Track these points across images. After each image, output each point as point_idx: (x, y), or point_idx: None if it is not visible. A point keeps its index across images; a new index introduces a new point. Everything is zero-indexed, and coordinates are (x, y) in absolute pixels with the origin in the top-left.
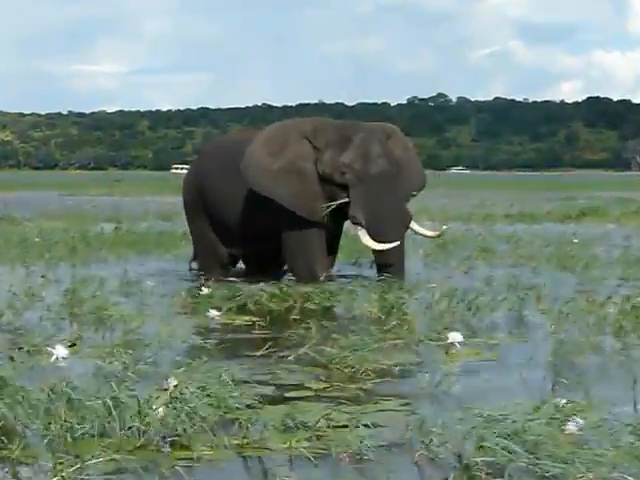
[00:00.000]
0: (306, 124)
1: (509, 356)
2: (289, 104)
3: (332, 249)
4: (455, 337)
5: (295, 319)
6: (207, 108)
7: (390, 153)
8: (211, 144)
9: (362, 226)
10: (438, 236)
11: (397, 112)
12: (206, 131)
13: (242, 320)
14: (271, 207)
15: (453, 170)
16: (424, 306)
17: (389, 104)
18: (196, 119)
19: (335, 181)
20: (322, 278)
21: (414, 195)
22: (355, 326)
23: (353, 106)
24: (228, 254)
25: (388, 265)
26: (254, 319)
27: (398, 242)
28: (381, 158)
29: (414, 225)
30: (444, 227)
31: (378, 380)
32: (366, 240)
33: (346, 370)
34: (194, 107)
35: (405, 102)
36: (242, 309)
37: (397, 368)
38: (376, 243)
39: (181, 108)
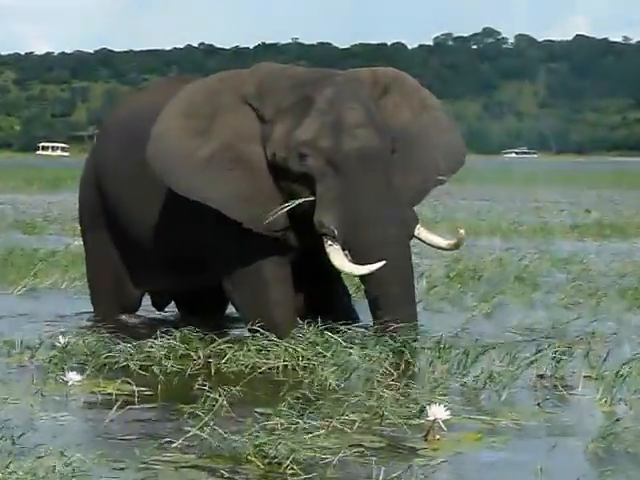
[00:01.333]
0: (247, 80)
1: (527, 444)
2: (243, 46)
3: (310, 280)
4: (437, 413)
5: (202, 387)
6: (110, 51)
7: (380, 119)
8: (117, 111)
9: (334, 238)
10: (455, 247)
11: (417, 58)
12: (109, 88)
13: (116, 389)
14: (200, 217)
15: (512, 154)
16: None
17: (404, 46)
18: (92, 69)
19: (291, 170)
20: (288, 331)
21: (442, 180)
22: (296, 398)
23: (347, 49)
24: (140, 291)
25: (387, 300)
26: (139, 387)
27: (397, 260)
28: (362, 128)
29: (421, 231)
30: (461, 231)
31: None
32: (341, 261)
33: (262, 463)
34: (89, 50)
35: (431, 43)
36: (120, 371)
37: (336, 459)
38: (358, 266)
39: (67, 51)
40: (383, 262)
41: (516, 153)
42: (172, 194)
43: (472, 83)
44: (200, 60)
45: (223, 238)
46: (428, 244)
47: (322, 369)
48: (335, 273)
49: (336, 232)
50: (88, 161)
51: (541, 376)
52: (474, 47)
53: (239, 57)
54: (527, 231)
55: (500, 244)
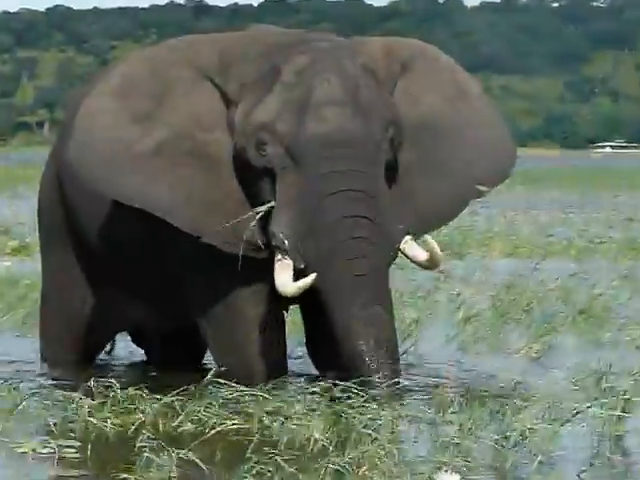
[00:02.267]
0: (206, 47)
1: None
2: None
3: (312, 307)
4: None
5: (143, 447)
6: (68, 9)
7: (370, 98)
8: (82, 92)
9: (284, 251)
10: (433, 265)
11: (478, 21)
12: (65, 58)
13: (32, 449)
14: (153, 232)
15: (606, 148)
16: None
17: (461, 4)
18: (43, 33)
19: (252, 164)
20: (265, 378)
21: (482, 192)
22: (263, 462)
23: (385, 8)
24: (108, 331)
25: (357, 350)
26: (66, 442)
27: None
28: (334, 107)
29: (407, 245)
30: (430, 244)
31: None
32: (282, 280)
33: None
34: (39, 8)
35: (497, 0)
36: (42, 427)
37: None
38: (287, 287)
39: (10, 10)
40: (313, 276)
41: (611, 147)
42: (124, 206)
43: (552, 54)
44: (188, 22)
45: (192, 259)
46: (411, 260)
47: (306, 424)
48: None
49: (286, 242)
50: (49, 163)
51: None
52: (555, 5)
53: (238, 18)
54: (608, 250)
55: (572, 267)
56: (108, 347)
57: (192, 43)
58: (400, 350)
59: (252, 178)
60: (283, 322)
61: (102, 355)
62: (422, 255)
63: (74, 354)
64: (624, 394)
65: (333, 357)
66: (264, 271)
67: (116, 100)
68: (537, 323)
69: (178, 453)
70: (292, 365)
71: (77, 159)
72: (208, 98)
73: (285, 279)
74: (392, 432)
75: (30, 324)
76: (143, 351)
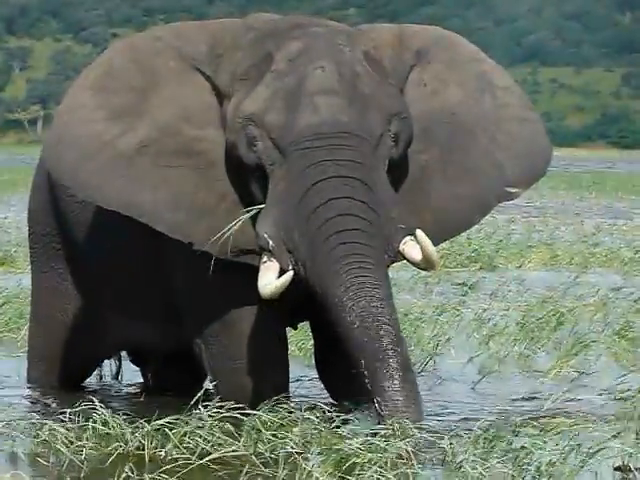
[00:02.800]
0: (196, 35)
1: None
2: None
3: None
4: None
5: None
6: None
7: (370, 89)
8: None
9: (269, 252)
10: (428, 265)
11: (522, 4)
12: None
13: None
14: (149, 242)
15: None
16: None
17: None
18: (36, 20)
19: (243, 161)
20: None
21: (512, 195)
22: None
23: None
24: (101, 353)
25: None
26: (37, 474)
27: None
28: (327, 96)
29: (407, 245)
30: (424, 243)
31: None
32: (263, 282)
33: None
34: None
35: None
36: (10, 460)
37: None
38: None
39: None
40: (290, 273)
41: None
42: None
43: (607, 43)
44: (199, 8)
45: (183, 270)
46: (409, 261)
47: (305, 459)
48: None
49: (270, 243)
50: (39, 165)
51: (620, 469)
52: None
53: (255, 4)
54: None
55: (616, 280)
56: (114, 370)
57: (179, 31)
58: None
59: (245, 178)
60: (285, 340)
61: (107, 379)
62: (416, 256)
63: (61, 376)
64: None
65: (346, 379)
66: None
67: (96, 93)
68: (568, 341)
69: None
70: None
71: (52, 157)
72: (198, 91)
73: (267, 281)
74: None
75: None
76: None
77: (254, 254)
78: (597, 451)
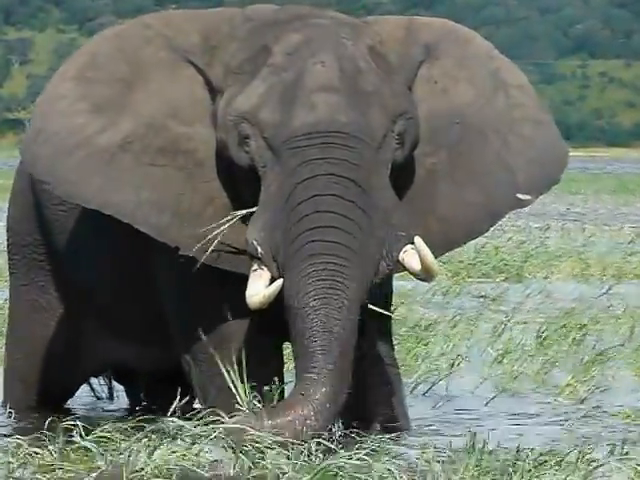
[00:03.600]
0: (187, 25)
1: None
2: None
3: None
4: None
5: None
6: None
7: (375, 86)
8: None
9: (258, 259)
10: (428, 275)
11: None
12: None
13: None
14: (133, 244)
15: None
16: None
17: None
18: (37, 10)
19: (235, 162)
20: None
21: (525, 202)
22: None
23: None
24: (84, 373)
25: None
26: None
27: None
28: (326, 93)
29: (408, 253)
30: (423, 252)
31: None
32: (252, 291)
33: None
34: None
35: None
36: None
37: None
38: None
39: None
40: (280, 282)
41: None
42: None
43: None
44: None
45: (169, 279)
46: (408, 271)
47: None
48: (381, 327)
49: (259, 249)
50: (20, 170)
51: None
52: None
53: None
54: None
55: None
56: (106, 391)
57: (170, 19)
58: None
59: (238, 181)
60: (280, 355)
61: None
62: (415, 265)
63: (40, 396)
64: None
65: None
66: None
67: (78, 84)
68: (589, 358)
69: None
70: None
71: (29, 151)
72: (188, 85)
73: (256, 290)
74: None
75: None
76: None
77: (243, 255)
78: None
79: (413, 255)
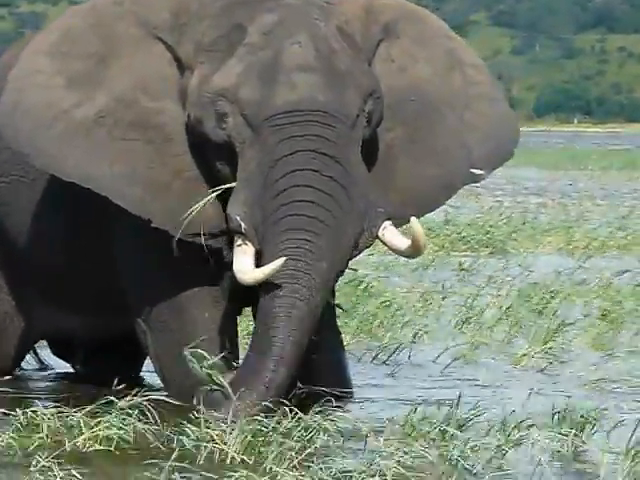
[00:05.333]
0: (158, 1)
1: None
2: None
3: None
4: None
5: (44, 468)
6: None
7: (346, 64)
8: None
9: (243, 235)
10: (415, 252)
11: None
12: None
13: None
14: (91, 214)
15: None
16: None
17: None
18: None
19: (210, 139)
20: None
21: (479, 176)
22: None
23: None
24: (25, 341)
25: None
26: None
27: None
28: (305, 73)
29: (387, 231)
30: (416, 229)
31: None
32: (240, 266)
33: None
34: None
35: None
36: None
37: None
38: (255, 271)
39: None
40: (281, 260)
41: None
42: (54, 181)
43: None
44: None
45: (131, 250)
46: (390, 248)
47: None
48: (327, 317)
49: (242, 224)
50: None
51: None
52: None
53: None
54: None
55: (629, 264)
56: (36, 359)
57: None
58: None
59: (211, 157)
60: (236, 326)
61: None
62: (402, 242)
63: None
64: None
65: None
66: (219, 265)
67: (54, 58)
68: (550, 328)
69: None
70: None
71: (8, 125)
72: (158, 61)
73: (244, 265)
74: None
75: None
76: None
77: (218, 237)
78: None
79: (393, 232)
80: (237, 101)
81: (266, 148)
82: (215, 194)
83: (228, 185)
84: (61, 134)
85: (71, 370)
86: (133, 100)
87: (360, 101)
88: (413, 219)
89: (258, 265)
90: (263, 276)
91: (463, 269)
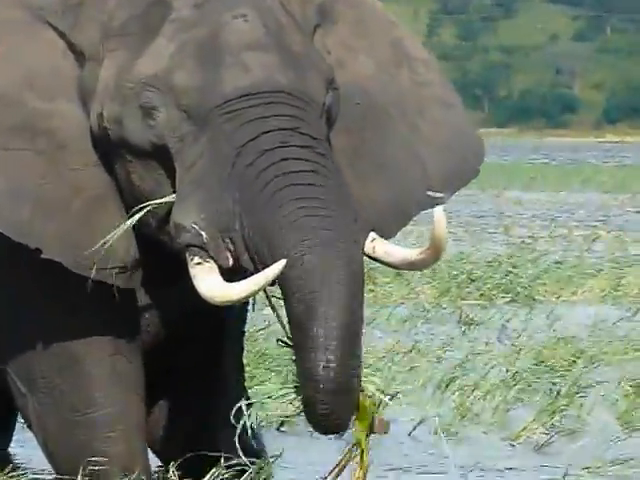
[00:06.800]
0: None
1: None
2: None
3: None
4: None
5: None
6: None
7: (301, 43)
8: None
9: (201, 247)
10: (431, 260)
11: None
12: None
13: None
14: None
15: None
16: None
17: None
18: None
19: (132, 142)
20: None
21: (437, 199)
22: None
23: None
24: None
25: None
26: None
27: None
28: (258, 51)
29: (377, 244)
30: (439, 230)
31: None
32: (207, 285)
33: None
34: None
35: None
36: None
37: None
38: (231, 289)
39: None
40: (279, 264)
41: None
42: None
43: None
44: None
45: (8, 282)
46: (386, 262)
47: None
48: (233, 364)
49: (203, 234)
50: None
51: None
52: None
53: None
54: None
55: None
56: None
57: None
58: None
59: (127, 168)
60: (142, 380)
61: None
62: (402, 251)
63: None
64: None
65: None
66: (124, 305)
67: None
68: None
69: None
70: None
71: None
72: (47, 51)
73: (214, 284)
74: None
75: None
76: None
77: (128, 270)
78: None
79: (384, 242)
80: (171, 90)
81: (221, 137)
82: (135, 219)
83: (159, 200)
84: None
85: None
86: (16, 99)
87: (323, 88)
88: (438, 212)
89: (230, 280)
90: (256, 288)
91: (467, 322)
